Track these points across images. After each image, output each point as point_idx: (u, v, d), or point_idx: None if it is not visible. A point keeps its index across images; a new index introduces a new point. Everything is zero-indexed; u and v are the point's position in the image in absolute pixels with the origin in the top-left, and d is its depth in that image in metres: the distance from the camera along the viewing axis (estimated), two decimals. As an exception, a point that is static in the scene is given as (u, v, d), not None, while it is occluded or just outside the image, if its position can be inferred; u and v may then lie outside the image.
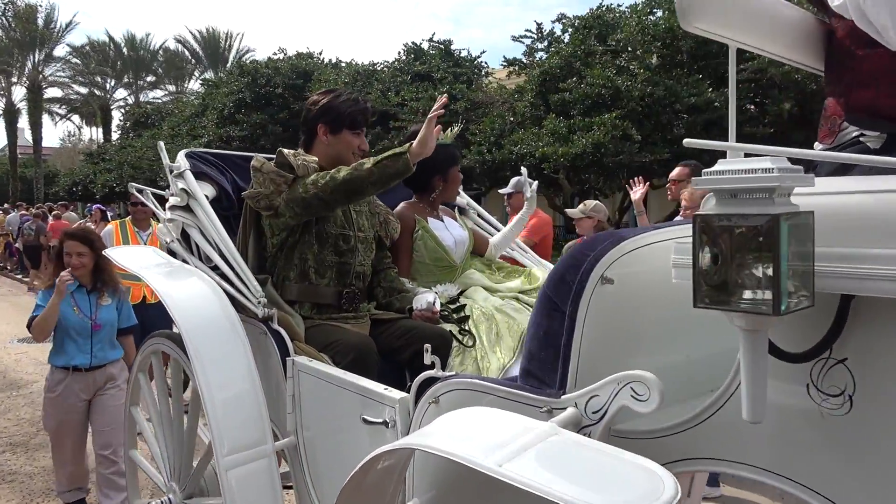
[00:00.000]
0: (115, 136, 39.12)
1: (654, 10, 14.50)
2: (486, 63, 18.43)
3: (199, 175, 2.91)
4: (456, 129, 3.11)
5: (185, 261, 2.88)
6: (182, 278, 2.59)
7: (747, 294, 1.14)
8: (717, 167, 1.22)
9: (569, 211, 5.71)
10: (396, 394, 1.95)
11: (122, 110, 41.00)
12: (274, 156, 2.66)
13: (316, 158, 2.61)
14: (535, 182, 3.46)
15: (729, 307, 1.20)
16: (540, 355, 1.63)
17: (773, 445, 1.36)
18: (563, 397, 1.55)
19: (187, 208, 2.85)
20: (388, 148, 3.74)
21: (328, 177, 2.45)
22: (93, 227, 7.86)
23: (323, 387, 2.23)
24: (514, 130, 14.59)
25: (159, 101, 40.89)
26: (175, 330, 5.95)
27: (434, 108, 2.38)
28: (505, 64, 16.67)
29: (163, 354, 2.97)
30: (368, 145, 2.75)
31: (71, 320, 3.62)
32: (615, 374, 1.46)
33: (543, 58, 15.48)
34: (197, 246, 2.87)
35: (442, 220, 3.08)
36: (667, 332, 1.75)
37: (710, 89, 13.72)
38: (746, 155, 1.24)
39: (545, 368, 1.61)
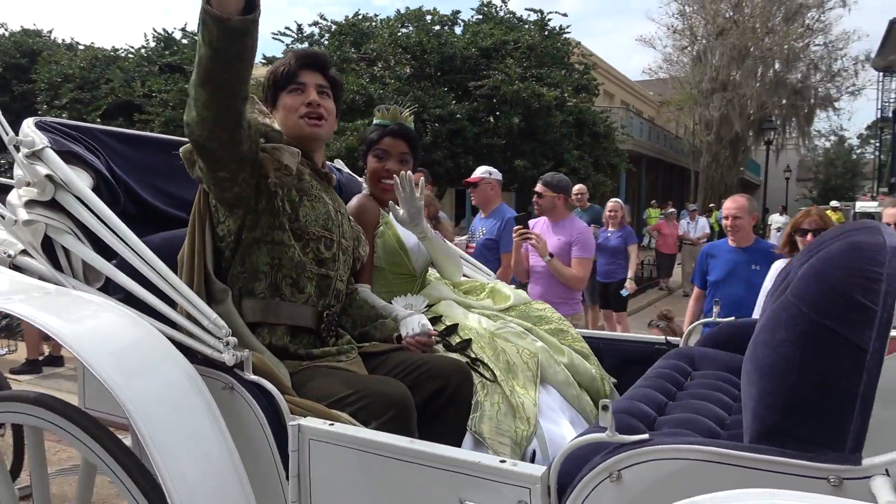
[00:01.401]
0: None
1: (407, 24, 14.40)
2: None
3: (64, 155, 1.80)
4: (406, 112, 2.33)
5: (51, 281, 1.76)
6: (88, 312, 1.51)
7: None
8: None
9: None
10: (532, 468, 1.25)
11: None
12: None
13: (268, 122, 1.83)
14: None
15: None
16: (811, 405, 1.09)
17: None
18: (864, 463, 1.04)
19: (53, 204, 1.74)
20: None
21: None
22: None
23: (361, 461, 1.41)
24: (272, 130, 13.42)
25: None
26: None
27: None
28: (265, 62, 15.20)
29: None
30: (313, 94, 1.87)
31: None
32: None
33: (303, 59, 14.48)
34: (69, 260, 1.78)
35: None
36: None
37: (454, 101, 14.09)
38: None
39: (822, 423, 1.08)
